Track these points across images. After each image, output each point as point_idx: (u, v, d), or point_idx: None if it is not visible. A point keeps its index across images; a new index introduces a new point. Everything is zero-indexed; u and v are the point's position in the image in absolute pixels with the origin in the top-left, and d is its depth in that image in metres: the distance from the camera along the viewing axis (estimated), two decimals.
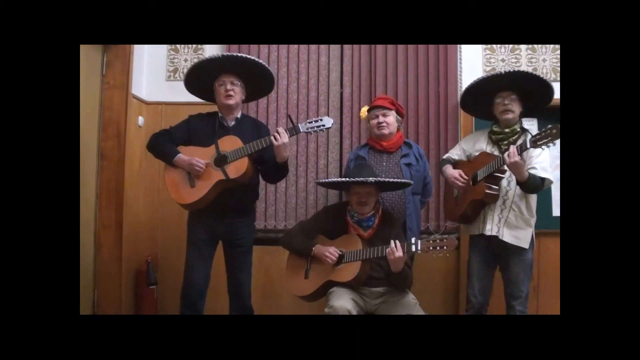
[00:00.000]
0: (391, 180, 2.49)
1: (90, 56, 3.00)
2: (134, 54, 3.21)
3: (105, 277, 3.09)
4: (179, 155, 2.53)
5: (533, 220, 2.54)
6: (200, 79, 2.64)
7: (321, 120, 2.53)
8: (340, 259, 2.44)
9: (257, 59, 2.60)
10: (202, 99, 2.78)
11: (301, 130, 2.51)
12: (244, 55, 2.61)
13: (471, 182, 2.55)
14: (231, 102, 2.58)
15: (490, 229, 2.49)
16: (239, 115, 2.66)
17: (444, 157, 2.80)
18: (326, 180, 2.57)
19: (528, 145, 2.29)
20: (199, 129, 2.61)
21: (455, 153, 2.75)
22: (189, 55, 3.53)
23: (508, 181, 2.50)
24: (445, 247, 2.25)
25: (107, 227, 3.10)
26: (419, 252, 2.28)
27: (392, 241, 2.29)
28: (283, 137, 2.44)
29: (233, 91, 2.58)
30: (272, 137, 2.44)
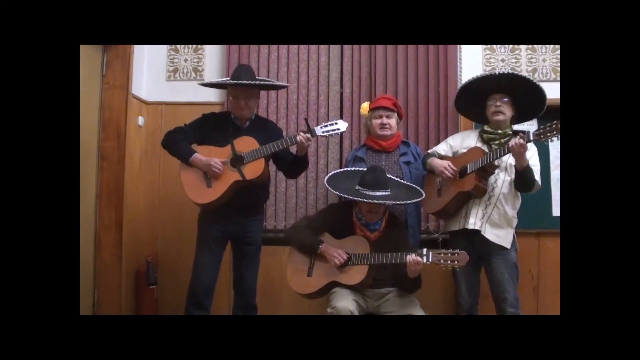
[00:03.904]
0: (408, 202, 2.46)
1: (90, 56, 3.00)
2: (134, 54, 3.21)
3: (105, 277, 3.09)
4: (196, 154, 2.56)
5: (515, 221, 2.56)
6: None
7: (336, 123, 2.58)
8: (347, 261, 2.43)
9: (274, 83, 2.81)
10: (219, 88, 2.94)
11: (317, 134, 2.56)
12: (264, 83, 2.73)
13: (458, 175, 2.52)
14: (244, 113, 2.65)
15: (474, 222, 2.48)
16: (252, 117, 2.72)
17: (429, 151, 2.77)
18: (340, 194, 2.50)
19: (531, 138, 2.30)
20: (213, 129, 2.66)
21: (441, 148, 2.72)
22: (189, 55, 3.53)
23: (495, 179, 2.50)
24: (456, 262, 2.24)
25: (107, 227, 3.10)
26: (428, 263, 2.27)
27: (413, 254, 2.28)
28: (308, 141, 2.53)
29: (246, 104, 2.63)
30: (297, 139, 2.50)
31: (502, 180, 2.51)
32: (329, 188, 2.55)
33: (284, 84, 2.88)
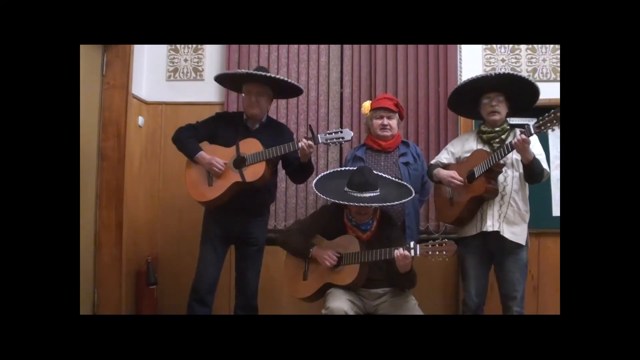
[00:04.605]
0: (394, 203, 2.43)
1: (90, 56, 3.00)
2: (134, 54, 3.21)
3: (106, 277, 3.09)
4: (201, 152, 2.60)
5: (527, 216, 2.55)
6: (231, 76, 2.79)
7: (341, 132, 2.57)
8: (339, 261, 2.43)
9: (287, 79, 2.74)
10: (233, 90, 3.01)
11: (320, 141, 2.55)
12: (274, 76, 2.66)
13: (467, 181, 2.52)
14: (254, 111, 2.66)
15: (492, 224, 2.47)
16: (264, 119, 2.74)
17: (432, 162, 2.76)
18: (327, 198, 2.50)
19: (532, 131, 2.30)
20: (223, 128, 2.69)
21: (444, 157, 2.72)
22: (189, 55, 3.53)
23: (504, 177, 2.50)
24: (445, 252, 2.23)
25: (107, 227, 3.10)
26: (417, 256, 2.26)
27: (400, 249, 2.27)
28: (310, 148, 2.53)
29: (257, 102, 2.65)
30: (298, 145, 2.51)
31: (511, 177, 2.51)
32: (316, 192, 2.54)
33: (299, 86, 2.85)
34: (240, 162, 2.56)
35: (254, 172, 2.53)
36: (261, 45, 3.40)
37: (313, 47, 3.41)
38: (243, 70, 2.72)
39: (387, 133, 2.72)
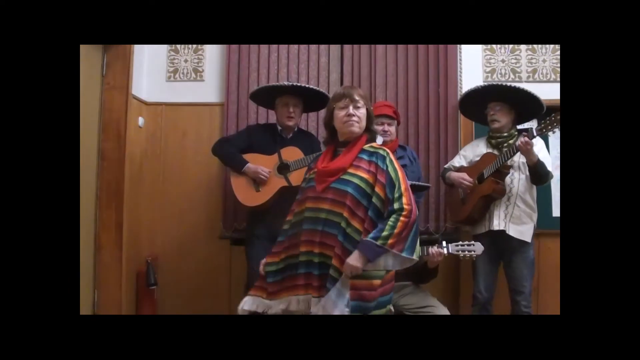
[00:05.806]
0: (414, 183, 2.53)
1: (90, 57, 3.00)
2: (134, 55, 3.21)
3: (106, 278, 3.09)
4: (248, 165, 2.84)
5: (535, 216, 2.71)
6: (265, 92, 3.01)
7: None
8: None
9: (320, 89, 3.03)
10: (263, 106, 3.22)
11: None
12: (311, 87, 2.99)
13: (477, 182, 2.70)
14: (291, 123, 2.93)
15: (498, 224, 2.64)
16: (295, 129, 2.98)
17: (445, 166, 2.97)
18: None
19: (535, 134, 2.46)
20: (260, 139, 2.95)
21: (456, 161, 2.92)
22: (189, 55, 3.53)
23: (511, 179, 2.66)
24: (473, 252, 2.39)
25: (107, 227, 3.09)
26: (447, 254, 2.41)
27: (435, 246, 2.42)
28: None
29: (294, 113, 2.91)
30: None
31: (517, 179, 2.68)
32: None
33: (328, 95, 3.06)
34: (284, 168, 2.81)
35: (299, 177, 2.70)
36: (261, 46, 3.39)
37: (313, 47, 3.41)
38: (286, 82, 3.04)
39: (387, 139, 2.84)
